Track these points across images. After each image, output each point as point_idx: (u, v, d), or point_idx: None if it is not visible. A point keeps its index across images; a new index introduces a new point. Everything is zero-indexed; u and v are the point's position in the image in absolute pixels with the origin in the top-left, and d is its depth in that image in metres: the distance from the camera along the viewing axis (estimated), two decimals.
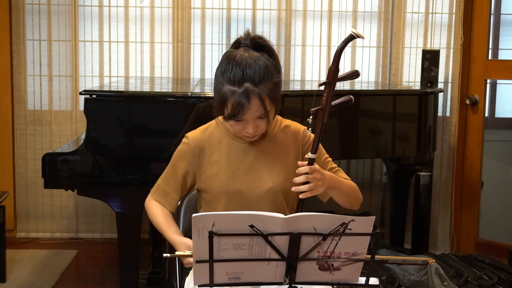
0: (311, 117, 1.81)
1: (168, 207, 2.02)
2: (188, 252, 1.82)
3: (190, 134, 2.00)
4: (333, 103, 1.83)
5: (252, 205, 1.91)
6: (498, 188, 4.46)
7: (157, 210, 2.02)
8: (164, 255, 1.79)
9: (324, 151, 2.01)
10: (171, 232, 1.95)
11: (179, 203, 2.08)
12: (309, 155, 1.83)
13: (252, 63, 1.81)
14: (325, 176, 1.83)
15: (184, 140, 1.99)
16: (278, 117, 2.01)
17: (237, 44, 1.91)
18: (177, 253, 1.84)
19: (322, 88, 1.82)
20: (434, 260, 2.04)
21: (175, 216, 2.29)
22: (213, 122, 2.02)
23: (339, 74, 1.80)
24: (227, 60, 1.84)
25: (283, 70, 3.40)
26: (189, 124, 2.75)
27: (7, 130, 4.21)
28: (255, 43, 1.88)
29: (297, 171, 1.81)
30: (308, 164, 1.81)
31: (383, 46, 4.22)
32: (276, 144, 1.97)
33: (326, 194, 1.95)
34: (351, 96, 1.85)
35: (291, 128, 2.01)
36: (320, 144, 1.88)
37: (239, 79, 1.80)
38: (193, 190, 2.06)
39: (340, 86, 3.51)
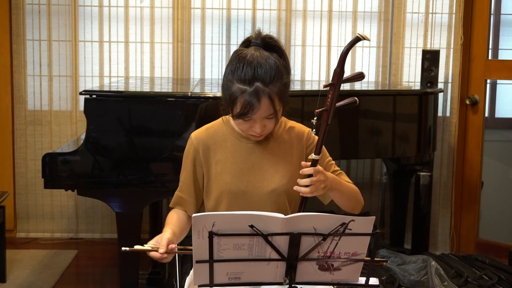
0: (315, 118, 1.80)
1: (184, 211, 1.99)
2: (146, 247, 1.74)
3: (194, 134, 1.99)
4: (338, 104, 1.82)
5: (254, 206, 1.91)
6: (498, 188, 4.46)
7: (169, 215, 1.99)
8: (123, 248, 1.72)
9: (328, 154, 2.00)
10: (164, 229, 1.88)
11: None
12: (313, 156, 1.83)
13: (263, 62, 1.81)
14: (327, 178, 1.83)
15: (188, 141, 1.99)
16: (283, 118, 2.00)
17: (247, 43, 1.91)
18: (135, 247, 1.74)
19: (325, 89, 1.82)
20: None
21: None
22: (218, 120, 2.02)
23: (344, 76, 1.80)
24: (238, 59, 1.83)
25: None
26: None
27: (7, 130, 4.21)
28: (266, 43, 1.88)
29: (300, 172, 1.81)
30: (312, 165, 1.81)
31: (383, 46, 4.22)
32: (280, 145, 1.97)
33: (328, 196, 1.95)
34: (356, 98, 1.85)
35: (296, 129, 2.00)
36: (323, 147, 1.88)
37: (249, 78, 1.79)
38: None
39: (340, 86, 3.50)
